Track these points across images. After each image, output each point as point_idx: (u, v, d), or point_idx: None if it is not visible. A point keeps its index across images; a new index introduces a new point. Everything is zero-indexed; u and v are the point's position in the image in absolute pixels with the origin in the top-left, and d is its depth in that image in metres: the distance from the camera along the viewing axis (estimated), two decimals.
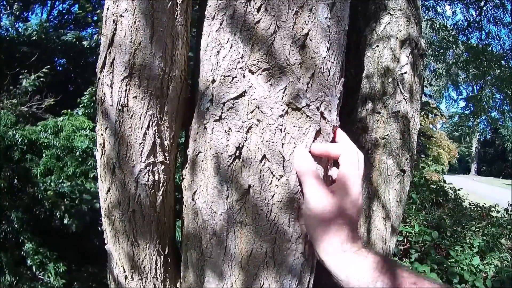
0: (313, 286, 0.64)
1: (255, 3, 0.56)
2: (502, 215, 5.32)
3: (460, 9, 6.83)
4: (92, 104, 4.83)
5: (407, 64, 0.86)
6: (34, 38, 6.87)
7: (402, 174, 0.86)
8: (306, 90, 0.56)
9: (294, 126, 0.57)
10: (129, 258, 0.67)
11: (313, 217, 0.54)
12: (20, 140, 3.80)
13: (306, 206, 0.55)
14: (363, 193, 0.86)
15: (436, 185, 6.28)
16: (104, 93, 0.62)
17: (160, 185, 0.65)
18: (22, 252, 3.45)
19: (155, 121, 0.62)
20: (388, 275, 0.48)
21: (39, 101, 5.17)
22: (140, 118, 0.61)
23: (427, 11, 6.60)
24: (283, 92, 0.56)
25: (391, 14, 0.89)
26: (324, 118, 0.58)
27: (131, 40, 0.59)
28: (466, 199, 6.23)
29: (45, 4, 8.88)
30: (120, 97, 0.60)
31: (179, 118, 0.68)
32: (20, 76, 5.17)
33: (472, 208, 5.66)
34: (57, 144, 3.98)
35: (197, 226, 0.62)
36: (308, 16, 0.56)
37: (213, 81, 0.59)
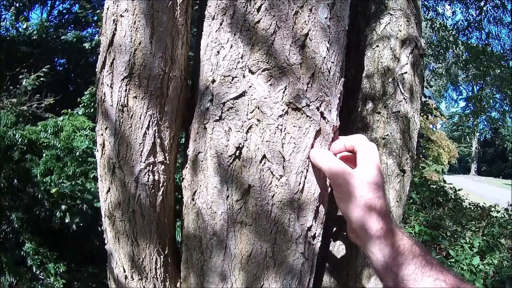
0: (313, 286, 0.64)
1: (255, 3, 0.56)
2: (502, 215, 5.32)
3: (460, 9, 6.84)
4: (92, 104, 4.82)
5: (407, 64, 0.86)
6: (34, 38, 6.86)
7: (402, 174, 0.86)
8: (306, 90, 0.56)
9: (294, 126, 0.57)
10: (129, 258, 0.67)
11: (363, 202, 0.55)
12: (20, 140, 3.79)
13: (357, 197, 0.55)
14: None
15: (436, 185, 6.29)
16: (104, 93, 0.62)
17: (160, 185, 0.65)
18: (22, 252, 3.44)
19: (155, 121, 0.62)
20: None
21: (39, 101, 5.16)
22: (140, 118, 0.61)
23: (427, 11, 6.60)
24: (283, 92, 0.56)
25: (391, 14, 0.89)
26: (324, 118, 0.58)
27: (131, 40, 0.59)
28: (466, 199, 6.24)
29: (45, 4, 8.86)
30: (120, 97, 0.60)
31: (179, 118, 0.68)
32: (20, 76, 5.15)
33: (472, 208, 5.66)
34: (57, 144, 3.97)
35: (197, 226, 0.62)
36: (308, 16, 0.56)
37: (213, 81, 0.59)
